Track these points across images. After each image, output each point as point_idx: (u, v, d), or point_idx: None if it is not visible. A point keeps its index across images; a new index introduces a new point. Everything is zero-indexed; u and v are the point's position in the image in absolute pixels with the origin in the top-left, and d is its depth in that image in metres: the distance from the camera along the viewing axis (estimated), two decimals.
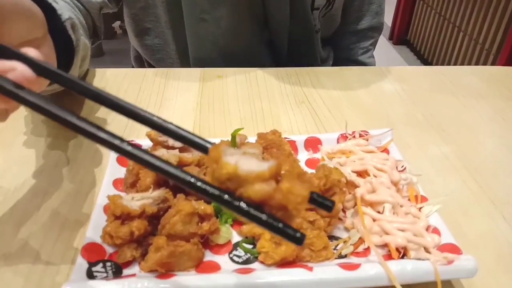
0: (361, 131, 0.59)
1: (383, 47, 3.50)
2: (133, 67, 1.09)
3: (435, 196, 0.51)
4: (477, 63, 2.69)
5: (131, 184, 0.49)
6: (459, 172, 0.61)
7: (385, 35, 3.65)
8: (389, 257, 0.43)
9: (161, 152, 0.47)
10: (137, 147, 0.30)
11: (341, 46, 1.08)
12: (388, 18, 3.69)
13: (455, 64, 2.90)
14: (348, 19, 1.01)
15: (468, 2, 2.72)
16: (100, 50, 2.75)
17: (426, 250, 0.43)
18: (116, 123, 0.69)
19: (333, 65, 1.09)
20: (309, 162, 0.58)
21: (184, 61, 0.92)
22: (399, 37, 3.55)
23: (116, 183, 0.52)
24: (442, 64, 3.05)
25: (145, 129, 0.52)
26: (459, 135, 0.70)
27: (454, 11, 2.88)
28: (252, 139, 0.57)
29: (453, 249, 0.44)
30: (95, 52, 2.72)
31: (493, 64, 2.53)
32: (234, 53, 0.90)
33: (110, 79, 0.82)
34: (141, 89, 0.80)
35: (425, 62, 3.28)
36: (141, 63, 1.03)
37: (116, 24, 3.07)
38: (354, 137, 0.58)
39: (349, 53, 1.08)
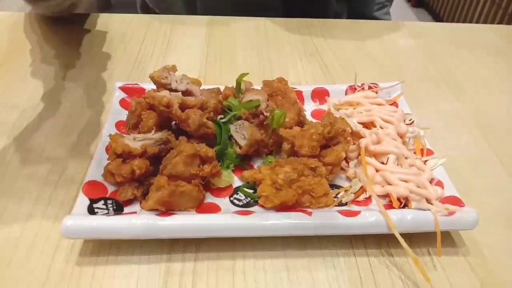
0: (371, 83, 0.57)
1: (401, 9, 3.37)
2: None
3: (444, 150, 0.50)
4: None
5: (133, 125, 0.48)
6: (470, 128, 0.60)
7: None
8: (390, 207, 0.43)
9: (163, 94, 0.47)
10: None
11: (355, 1, 1.03)
12: None
13: None
14: None
15: None
16: (108, 2, 2.68)
17: (428, 201, 0.43)
18: (121, 67, 0.68)
19: None
20: (315, 113, 0.57)
21: (191, 10, 0.89)
22: None
23: (118, 125, 0.52)
24: None
25: (149, 72, 0.51)
26: (473, 92, 0.68)
27: None
28: (258, 87, 0.56)
29: (455, 201, 0.43)
30: (103, 4, 2.65)
31: None
32: (243, 2, 0.87)
33: (115, 25, 0.80)
34: (146, 36, 0.78)
35: None
36: (147, 11, 1.01)
37: None
38: (363, 89, 0.57)
39: (364, 9, 1.04)
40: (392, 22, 0.90)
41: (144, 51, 0.74)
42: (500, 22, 2.61)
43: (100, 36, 0.77)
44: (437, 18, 3.26)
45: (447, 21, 3.13)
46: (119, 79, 0.65)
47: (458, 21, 2.99)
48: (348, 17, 1.05)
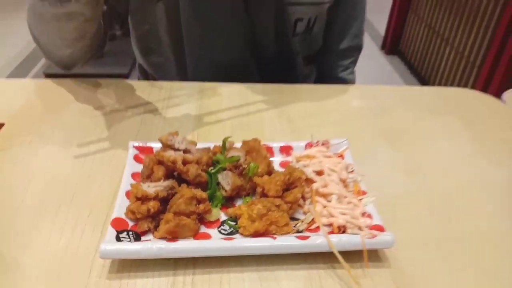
0: (324, 140, 0.75)
1: (375, 56, 3.67)
2: (137, 75, 1.25)
3: (378, 191, 0.67)
4: (462, 75, 2.87)
5: (147, 176, 0.65)
6: (400, 174, 0.78)
7: (377, 44, 3.82)
8: (332, 232, 0.60)
9: (170, 153, 0.64)
10: None
11: (322, 64, 1.23)
12: (381, 28, 3.85)
13: (442, 75, 3.08)
14: (329, 41, 1.17)
15: (455, 17, 2.89)
16: (101, 52, 2.83)
17: (360, 228, 0.60)
18: (131, 126, 0.86)
19: (316, 80, 1.25)
20: (282, 164, 0.75)
21: (183, 75, 1.08)
22: (391, 47, 3.71)
23: (134, 175, 0.68)
24: (430, 74, 3.22)
25: (155, 133, 0.69)
26: (407, 145, 0.86)
27: (442, 25, 3.06)
28: (239, 144, 0.73)
29: (379, 228, 0.60)
30: (97, 53, 2.82)
31: (476, 76, 2.70)
32: (227, 69, 1.06)
33: (122, 91, 0.99)
34: (149, 99, 0.96)
35: (415, 72, 3.45)
36: (145, 75, 1.19)
37: (116, 26, 3.17)
38: (318, 145, 0.75)
39: (330, 71, 1.22)
40: (347, 86, 1.10)
41: (149, 112, 0.92)
42: (463, 70, 2.89)
43: (110, 100, 0.95)
44: (409, 65, 3.55)
45: (417, 68, 3.42)
46: (130, 137, 0.82)
47: (427, 69, 3.28)
48: (316, 79, 1.25)
